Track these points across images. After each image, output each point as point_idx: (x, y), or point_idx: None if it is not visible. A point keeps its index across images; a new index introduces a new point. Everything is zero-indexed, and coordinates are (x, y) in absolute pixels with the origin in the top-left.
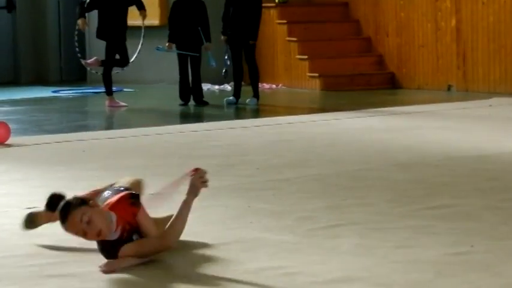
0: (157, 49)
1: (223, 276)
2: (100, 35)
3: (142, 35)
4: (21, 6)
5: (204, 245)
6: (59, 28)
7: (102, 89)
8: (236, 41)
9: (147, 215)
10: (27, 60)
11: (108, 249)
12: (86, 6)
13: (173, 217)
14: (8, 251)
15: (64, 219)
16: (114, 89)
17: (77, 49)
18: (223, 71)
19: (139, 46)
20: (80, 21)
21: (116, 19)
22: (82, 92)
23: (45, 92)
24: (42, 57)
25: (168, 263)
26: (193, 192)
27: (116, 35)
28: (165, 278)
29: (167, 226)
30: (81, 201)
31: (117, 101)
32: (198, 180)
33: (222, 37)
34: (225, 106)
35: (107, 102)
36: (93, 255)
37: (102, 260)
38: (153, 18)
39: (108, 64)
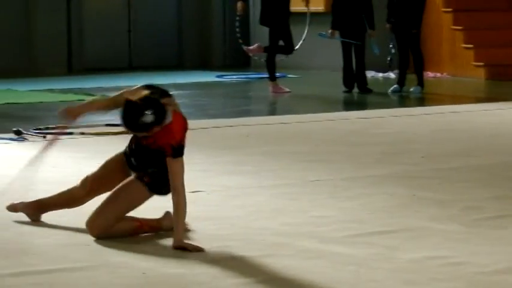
0: (320, 35)
1: (387, 265)
2: (263, 21)
3: (307, 22)
4: None
5: (369, 233)
6: (223, 13)
7: (266, 75)
8: (400, 29)
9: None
10: (192, 45)
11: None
12: None
13: None
14: None
15: None
16: (277, 74)
17: (238, 35)
18: (388, 59)
19: (305, 33)
20: (239, 4)
21: (278, 5)
22: (246, 77)
23: (209, 77)
24: (206, 42)
25: (332, 250)
26: None
27: (279, 21)
28: (329, 264)
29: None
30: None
31: (280, 86)
32: None
33: (387, 25)
34: (389, 94)
35: (270, 88)
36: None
37: None
38: (318, 5)
39: (272, 50)
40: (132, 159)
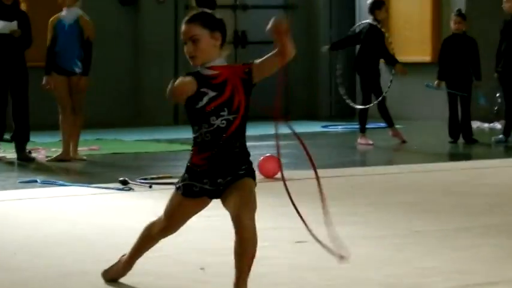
0: (427, 86)
1: None
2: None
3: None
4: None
5: (476, 285)
6: (330, 63)
7: (371, 125)
8: (507, 78)
9: None
10: (299, 95)
11: None
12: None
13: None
14: (277, 284)
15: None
16: (382, 125)
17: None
18: (495, 108)
19: (389, 82)
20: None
21: (369, 53)
22: (351, 128)
23: (315, 127)
24: (313, 93)
25: None
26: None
27: (369, 69)
28: None
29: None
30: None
31: (367, 140)
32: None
33: (495, 74)
34: (494, 145)
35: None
36: None
37: None
38: (425, 55)
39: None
40: (220, 181)
